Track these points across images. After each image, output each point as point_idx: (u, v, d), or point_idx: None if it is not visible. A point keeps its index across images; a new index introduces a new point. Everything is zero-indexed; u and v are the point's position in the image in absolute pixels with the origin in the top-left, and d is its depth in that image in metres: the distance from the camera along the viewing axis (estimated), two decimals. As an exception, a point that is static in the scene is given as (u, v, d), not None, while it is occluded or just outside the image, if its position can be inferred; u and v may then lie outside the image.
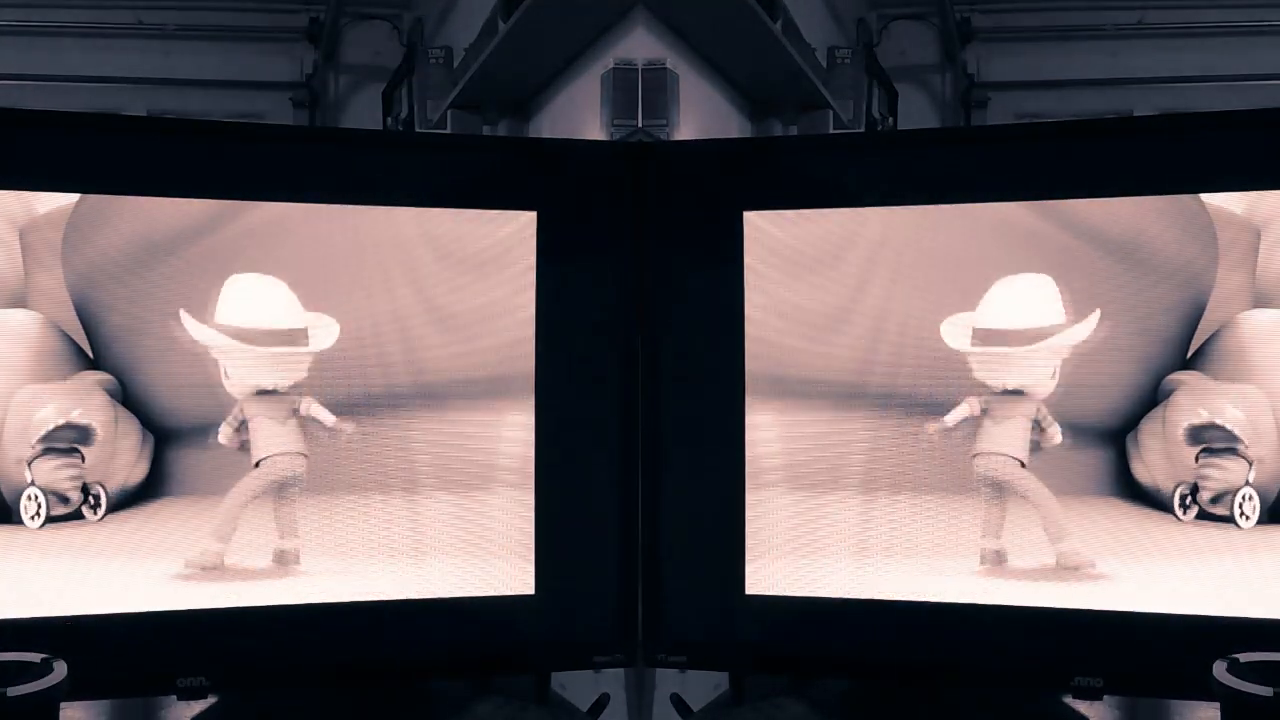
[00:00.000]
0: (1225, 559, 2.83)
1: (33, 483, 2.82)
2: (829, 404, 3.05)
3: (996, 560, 2.97)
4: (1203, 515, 2.85)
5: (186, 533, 2.91)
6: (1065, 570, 2.92)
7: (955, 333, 2.97)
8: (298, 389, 2.97)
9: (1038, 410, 2.95)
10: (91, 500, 2.87)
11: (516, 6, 3.74)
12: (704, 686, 3.39)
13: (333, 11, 5.45)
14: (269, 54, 5.50)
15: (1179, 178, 2.85)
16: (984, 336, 2.96)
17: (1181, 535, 2.86)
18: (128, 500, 2.89)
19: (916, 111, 5.50)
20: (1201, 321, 2.85)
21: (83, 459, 2.86)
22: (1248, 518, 2.82)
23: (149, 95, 5.38)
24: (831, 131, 4.91)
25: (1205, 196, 2.83)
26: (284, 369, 2.96)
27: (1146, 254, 2.87)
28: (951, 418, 2.98)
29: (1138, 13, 5.39)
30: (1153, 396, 2.88)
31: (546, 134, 4.20)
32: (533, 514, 3.08)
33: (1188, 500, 2.86)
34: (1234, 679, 2.42)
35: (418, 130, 4.98)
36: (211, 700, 3.02)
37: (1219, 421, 2.84)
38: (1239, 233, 2.83)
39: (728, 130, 4.22)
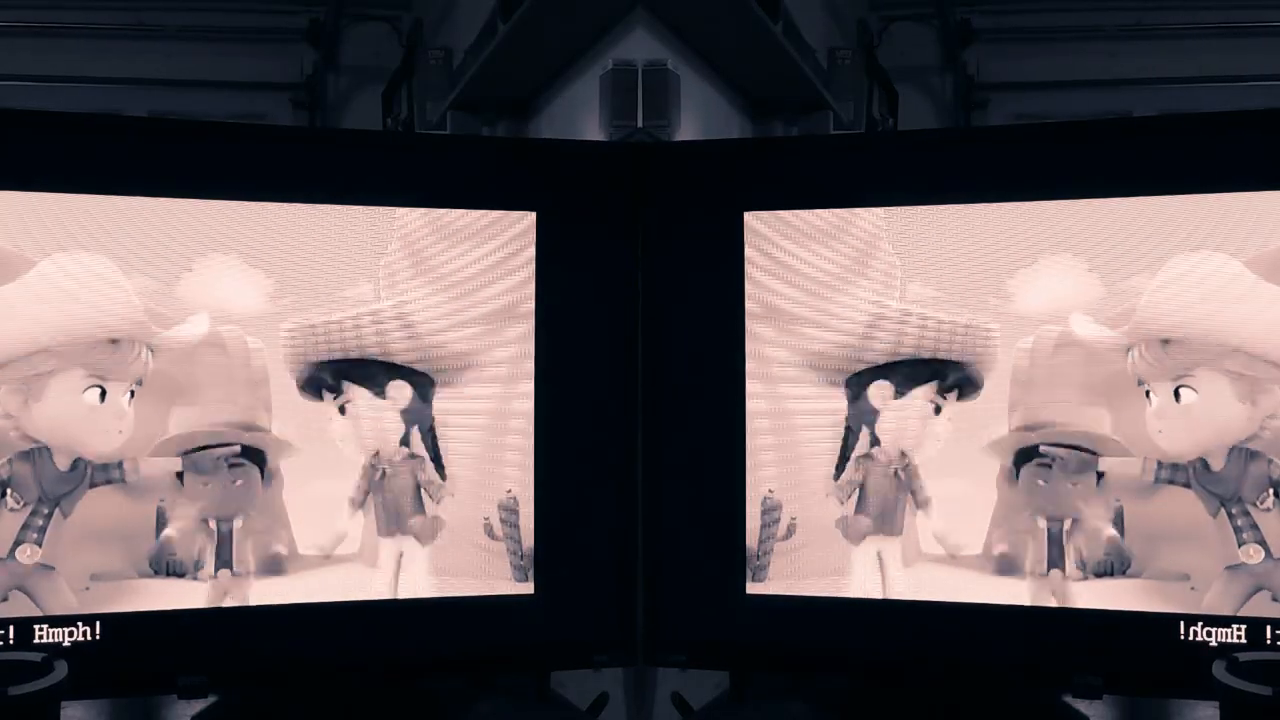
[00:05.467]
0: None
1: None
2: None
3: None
4: None
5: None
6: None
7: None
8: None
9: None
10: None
11: (516, 7, 3.74)
12: (705, 685, 3.39)
13: (333, 12, 5.44)
14: (269, 55, 5.48)
15: (1179, 179, 2.85)
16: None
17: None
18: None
19: (916, 112, 5.48)
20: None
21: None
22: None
23: (149, 96, 5.35)
24: (832, 132, 4.91)
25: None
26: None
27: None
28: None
29: (1137, 13, 5.38)
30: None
31: (546, 135, 4.19)
32: (532, 512, 3.08)
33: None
34: (1233, 678, 2.43)
35: (417, 131, 4.98)
36: (212, 699, 3.02)
37: None
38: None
39: (728, 130, 4.21)
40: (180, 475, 2.92)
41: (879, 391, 3.04)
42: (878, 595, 3.04)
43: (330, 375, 3.01)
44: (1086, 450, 2.92)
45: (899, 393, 3.03)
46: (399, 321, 3.03)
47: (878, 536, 3.05)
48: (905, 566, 3.03)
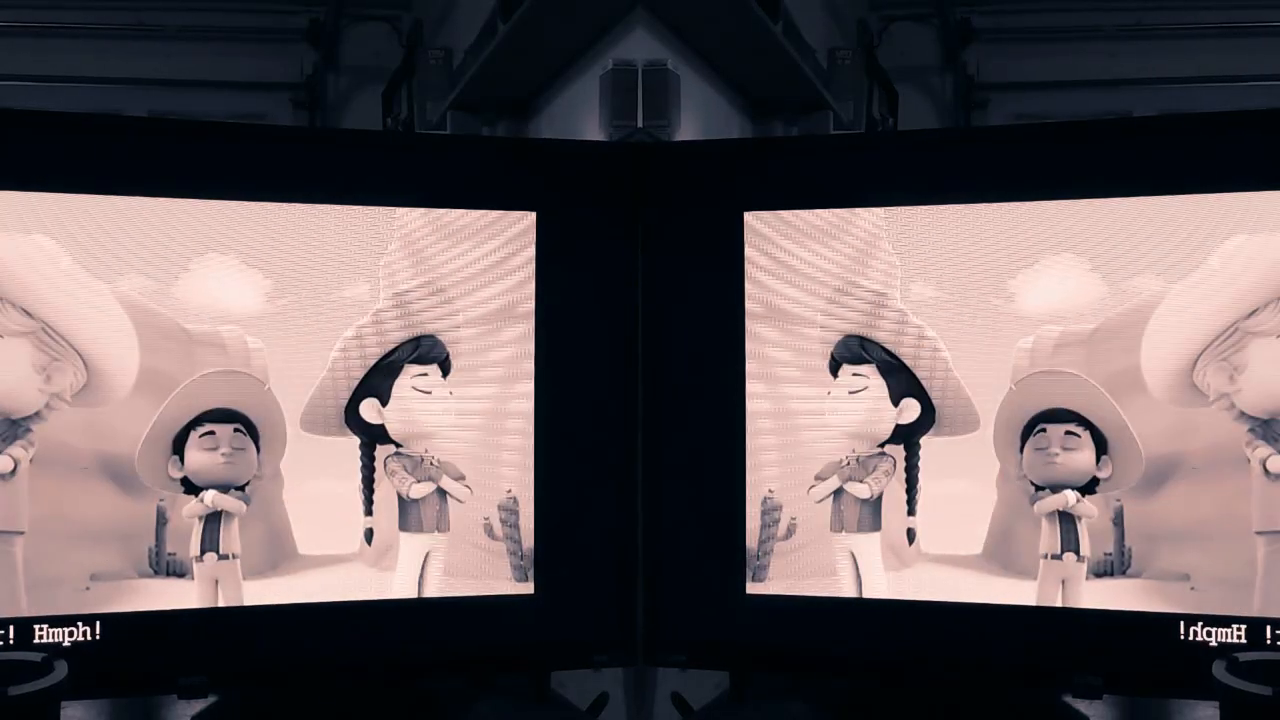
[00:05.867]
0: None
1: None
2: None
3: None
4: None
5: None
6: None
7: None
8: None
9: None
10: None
11: (516, 7, 3.74)
12: (705, 685, 3.39)
13: (333, 12, 5.45)
14: (269, 55, 5.49)
15: (1178, 179, 2.85)
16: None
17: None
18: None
19: (916, 112, 5.49)
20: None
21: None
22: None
23: (149, 96, 5.37)
24: (832, 132, 4.91)
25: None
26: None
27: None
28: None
29: (1136, 13, 5.39)
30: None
31: (546, 135, 4.20)
32: (532, 512, 3.08)
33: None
34: (1233, 678, 2.43)
35: (417, 131, 4.98)
36: (212, 699, 3.02)
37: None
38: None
39: (728, 131, 4.21)
40: (179, 446, 2.94)
41: (877, 393, 3.05)
42: (877, 595, 3.04)
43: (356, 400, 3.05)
44: (1090, 426, 2.94)
45: (894, 396, 3.04)
46: (400, 322, 3.02)
47: (877, 536, 3.05)
48: (905, 566, 3.03)
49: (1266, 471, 2.81)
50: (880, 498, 3.05)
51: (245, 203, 2.93)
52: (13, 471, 2.80)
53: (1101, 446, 2.91)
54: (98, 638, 2.84)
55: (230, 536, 2.94)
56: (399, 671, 3.12)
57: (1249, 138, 2.86)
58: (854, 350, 3.04)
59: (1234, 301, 2.81)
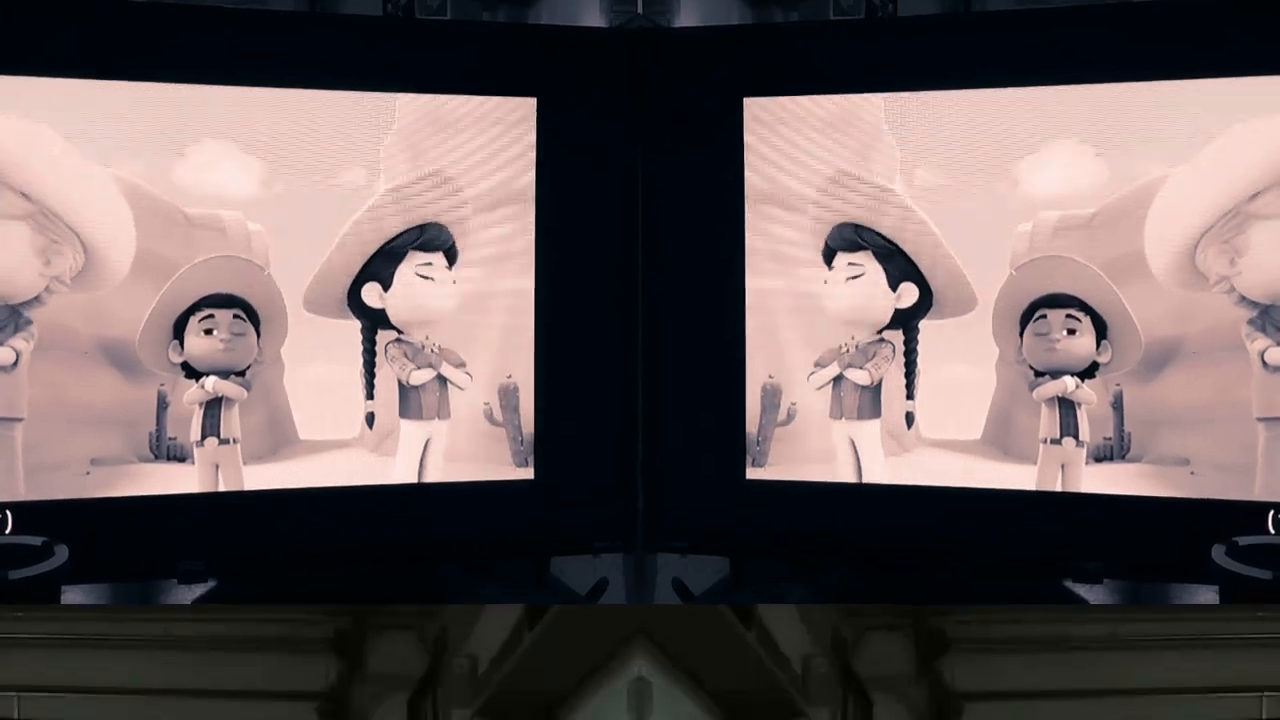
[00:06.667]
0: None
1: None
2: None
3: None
4: None
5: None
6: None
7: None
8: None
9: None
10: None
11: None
12: (705, 571, 3.39)
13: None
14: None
15: (1182, 63, 2.84)
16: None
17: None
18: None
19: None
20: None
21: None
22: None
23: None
24: (832, 18, 4.87)
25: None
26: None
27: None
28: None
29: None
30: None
31: (546, 21, 4.16)
32: (533, 398, 3.08)
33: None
34: (1233, 562, 2.44)
35: (417, 16, 4.94)
36: (211, 584, 3.02)
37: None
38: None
39: (727, 17, 4.17)
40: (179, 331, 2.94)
41: (874, 278, 3.04)
42: (876, 481, 3.04)
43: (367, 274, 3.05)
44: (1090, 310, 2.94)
45: (892, 281, 3.04)
46: (399, 207, 3.01)
47: (876, 422, 3.05)
48: (904, 451, 3.04)
49: (1265, 364, 2.80)
50: (880, 385, 3.05)
51: (243, 88, 2.91)
52: (14, 363, 2.80)
53: (1101, 331, 2.91)
54: (97, 522, 2.84)
55: (231, 421, 2.94)
56: (399, 557, 3.12)
57: (1253, 21, 2.83)
58: (849, 238, 3.03)
59: (1236, 184, 2.80)
